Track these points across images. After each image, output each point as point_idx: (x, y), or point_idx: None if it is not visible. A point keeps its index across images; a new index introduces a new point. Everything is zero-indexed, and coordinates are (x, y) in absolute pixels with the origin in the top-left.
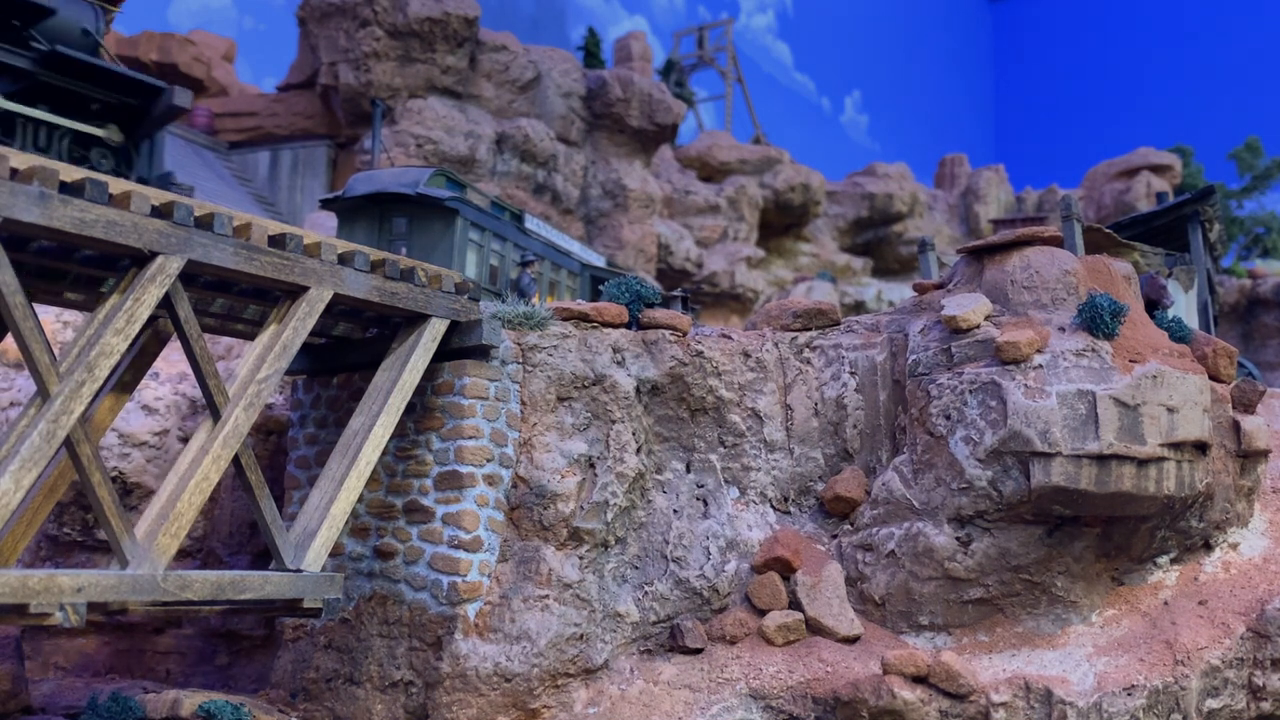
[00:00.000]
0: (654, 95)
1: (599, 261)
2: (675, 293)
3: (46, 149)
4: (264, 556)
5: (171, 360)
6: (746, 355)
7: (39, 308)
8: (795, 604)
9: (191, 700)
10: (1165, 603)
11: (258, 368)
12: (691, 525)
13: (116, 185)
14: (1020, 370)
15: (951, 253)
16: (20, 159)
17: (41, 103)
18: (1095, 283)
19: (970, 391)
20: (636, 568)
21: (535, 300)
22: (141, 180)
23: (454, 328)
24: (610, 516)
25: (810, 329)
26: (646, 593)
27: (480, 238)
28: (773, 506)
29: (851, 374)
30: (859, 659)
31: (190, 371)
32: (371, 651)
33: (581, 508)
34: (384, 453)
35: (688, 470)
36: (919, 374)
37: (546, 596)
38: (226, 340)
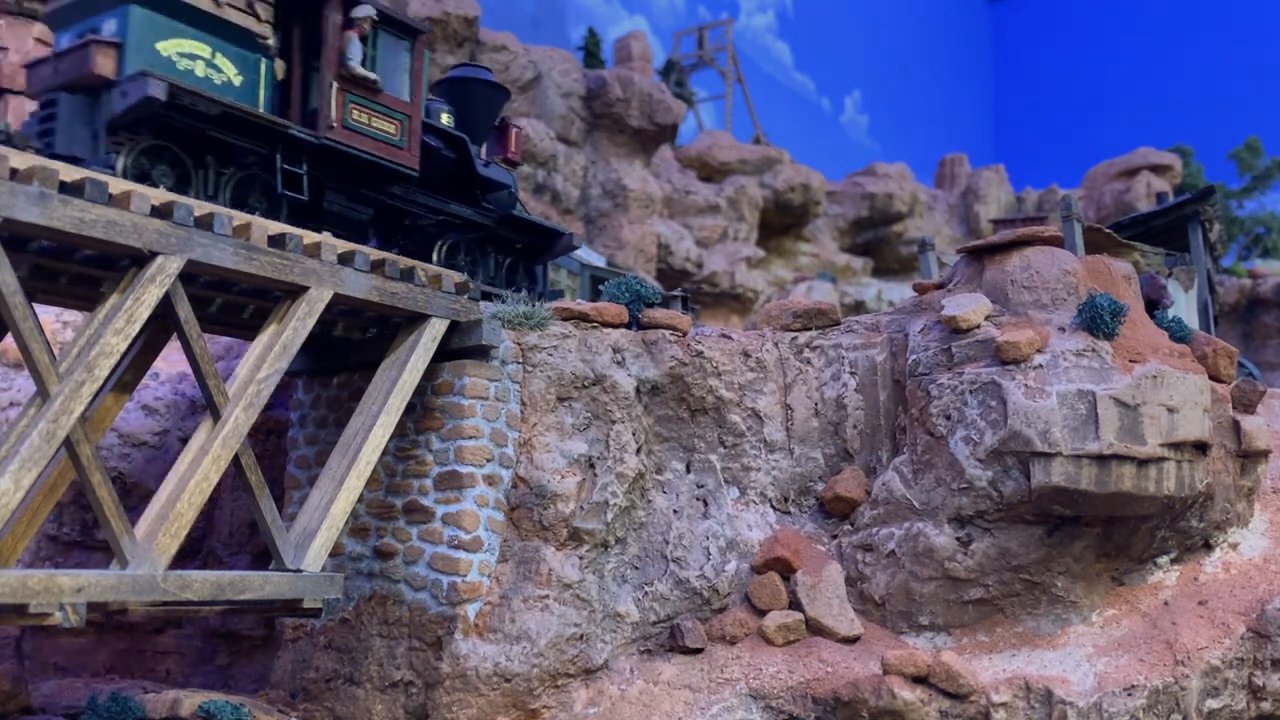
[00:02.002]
0: (654, 95)
1: (599, 261)
2: (675, 293)
3: (494, 279)
4: (264, 556)
5: (171, 360)
6: (746, 355)
7: (39, 308)
8: (795, 604)
9: (191, 700)
10: (1165, 603)
11: (258, 368)
12: (691, 525)
13: (116, 185)
14: (1020, 370)
15: (951, 253)
16: (20, 159)
17: (489, 245)
18: (1095, 283)
19: (970, 391)
20: (636, 568)
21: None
22: (539, 295)
23: (454, 328)
24: (610, 516)
25: (810, 329)
26: (646, 593)
27: None
28: (773, 506)
29: (851, 374)
30: (859, 659)
31: (190, 371)
32: (371, 651)
33: (581, 508)
34: (384, 453)
35: (688, 470)
36: (919, 374)
37: (546, 596)
38: (226, 340)
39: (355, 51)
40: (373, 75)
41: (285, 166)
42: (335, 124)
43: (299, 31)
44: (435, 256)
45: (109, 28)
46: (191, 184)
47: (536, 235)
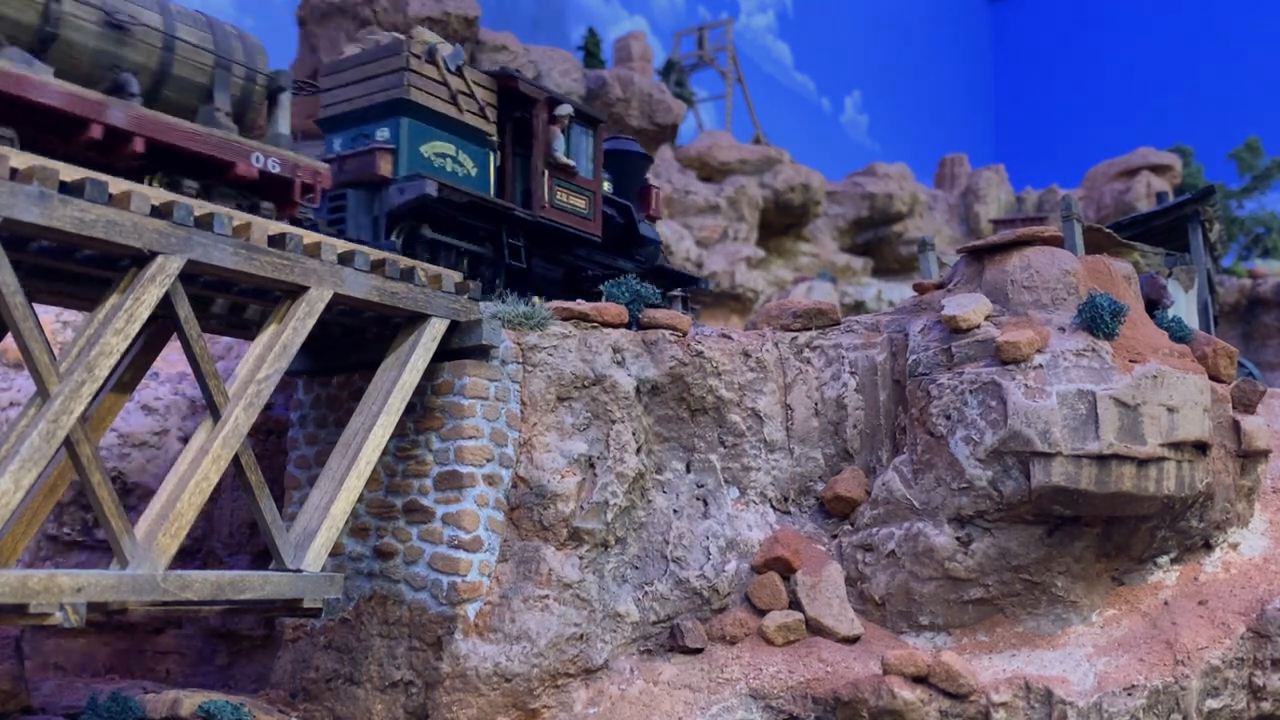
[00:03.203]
0: (654, 95)
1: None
2: (675, 292)
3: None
4: (264, 556)
5: (171, 360)
6: (746, 355)
7: (39, 308)
8: (795, 604)
9: (191, 700)
10: (1165, 603)
11: (258, 368)
12: (691, 525)
13: (116, 185)
14: (1020, 370)
15: (951, 253)
16: (20, 158)
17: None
18: (1095, 283)
19: (970, 391)
20: (636, 568)
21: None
22: None
23: (454, 328)
24: (610, 516)
25: (810, 329)
26: (646, 593)
27: None
28: (773, 506)
29: (851, 374)
30: (859, 659)
31: (190, 371)
32: (371, 651)
33: (581, 508)
34: (384, 453)
35: (688, 470)
36: (919, 374)
37: (546, 596)
38: (226, 340)
39: (559, 144)
40: (571, 161)
41: (509, 240)
42: (546, 204)
43: (511, 127)
44: None
45: (382, 135)
46: (440, 257)
47: (678, 280)
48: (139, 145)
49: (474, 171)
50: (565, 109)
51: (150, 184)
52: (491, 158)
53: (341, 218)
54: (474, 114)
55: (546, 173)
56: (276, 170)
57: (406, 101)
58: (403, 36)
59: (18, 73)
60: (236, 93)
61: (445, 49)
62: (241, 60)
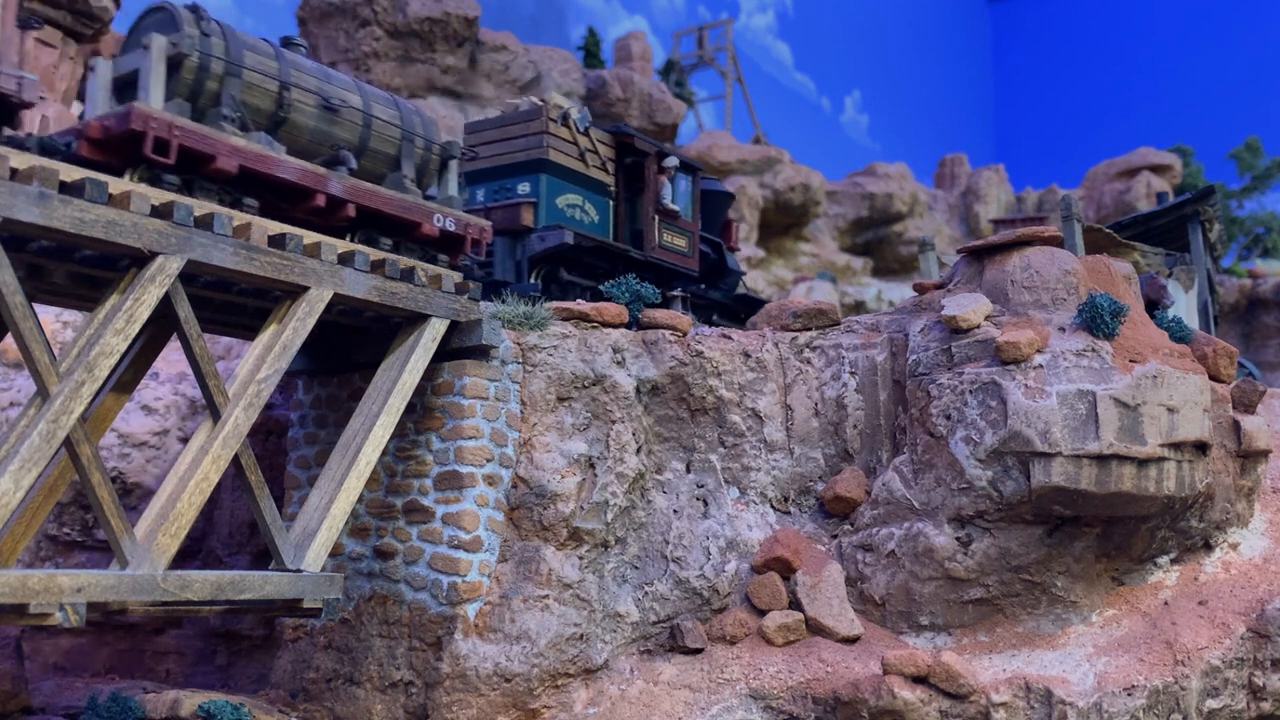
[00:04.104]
0: (654, 95)
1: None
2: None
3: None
4: (264, 556)
5: (171, 360)
6: (746, 355)
7: (39, 308)
8: (795, 604)
9: (191, 700)
10: (1165, 603)
11: (258, 368)
12: (691, 525)
13: (116, 185)
14: (1020, 370)
15: (951, 253)
16: (20, 159)
17: (725, 317)
18: (1095, 283)
19: (970, 391)
20: (636, 568)
21: None
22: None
23: (454, 328)
24: (610, 516)
25: (810, 329)
26: (646, 593)
27: None
28: (773, 506)
29: (852, 374)
30: (859, 659)
31: (190, 371)
32: (371, 651)
33: (581, 508)
34: (384, 453)
35: (688, 470)
36: (919, 374)
37: (546, 596)
38: (226, 340)
39: (666, 192)
40: (676, 207)
41: (679, 293)
42: (655, 245)
43: (622, 176)
44: None
45: (523, 189)
46: (569, 294)
47: (755, 305)
48: (351, 210)
49: (597, 218)
50: (672, 161)
51: (350, 240)
52: (610, 205)
53: (489, 262)
54: (597, 168)
55: (656, 218)
56: (452, 228)
57: (546, 160)
58: (540, 102)
59: (267, 153)
60: (417, 161)
61: (575, 112)
62: (421, 132)
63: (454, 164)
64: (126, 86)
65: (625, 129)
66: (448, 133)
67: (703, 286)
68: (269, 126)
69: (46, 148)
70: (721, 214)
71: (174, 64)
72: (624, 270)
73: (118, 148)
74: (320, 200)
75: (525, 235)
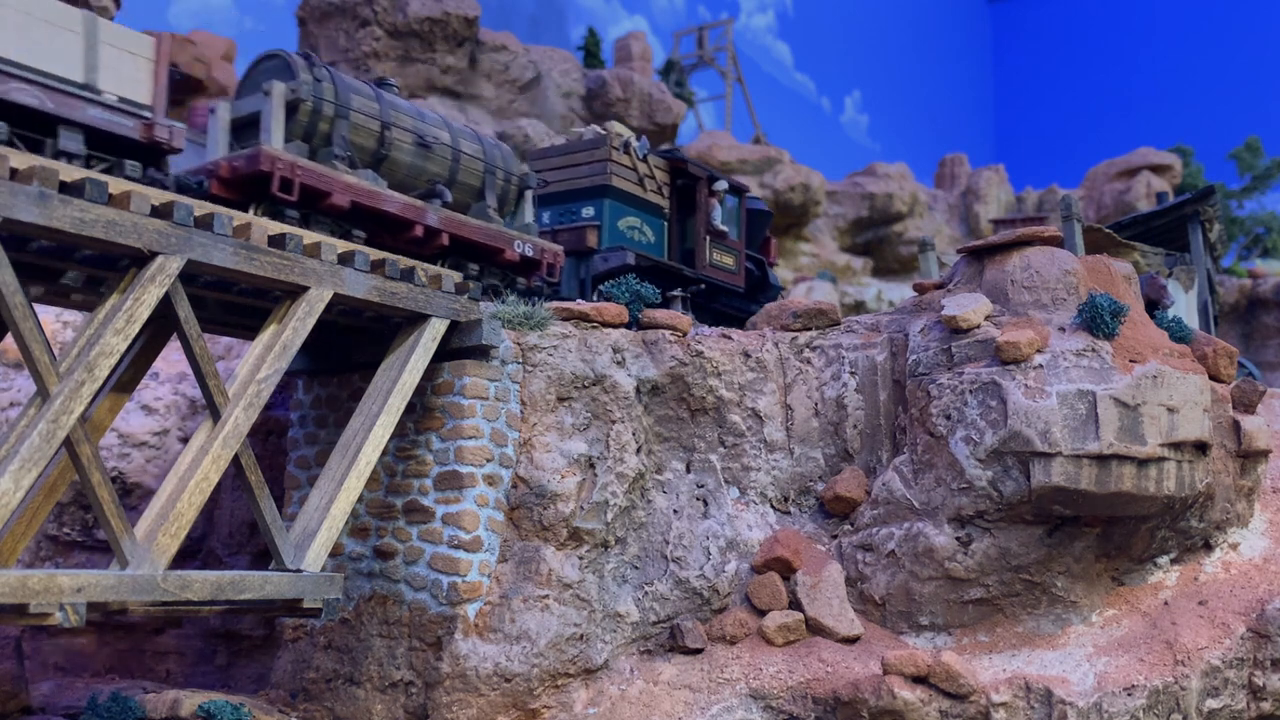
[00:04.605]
0: (654, 95)
1: None
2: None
3: None
4: (264, 556)
5: (171, 360)
6: (746, 355)
7: (39, 308)
8: (795, 604)
9: (191, 700)
10: (1165, 603)
11: (258, 368)
12: (691, 525)
13: (116, 185)
14: (1020, 370)
15: (951, 253)
16: (20, 158)
17: None
18: (1095, 283)
19: (970, 391)
20: (636, 568)
21: None
22: None
23: (454, 328)
24: (610, 516)
25: (810, 329)
26: (646, 593)
27: None
28: (773, 506)
29: (852, 374)
30: (859, 659)
31: (190, 371)
32: (371, 651)
33: (581, 508)
34: (384, 453)
35: (688, 470)
36: (919, 374)
37: (546, 596)
38: (226, 340)
39: (717, 214)
40: (724, 228)
41: (679, 293)
42: (706, 264)
43: (675, 199)
44: None
45: (588, 212)
46: None
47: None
48: (445, 239)
49: (653, 239)
50: (722, 184)
51: (440, 266)
52: (664, 226)
53: (556, 280)
54: (653, 192)
55: (707, 238)
56: (530, 254)
57: (609, 186)
58: (603, 131)
59: (375, 189)
60: (499, 191)
61: (635, 141)
62: (501, 165)
63: (529, 193)
64: (243, 127)
65: (679, 155)
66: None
67: (747, 300)
68: (372, 163)
69: (183, 186)
70: (762, 231)
71: (291, 108)
72: (678, 287)
73: (245, 186)
74: (419, 231)
75: (589, 256)
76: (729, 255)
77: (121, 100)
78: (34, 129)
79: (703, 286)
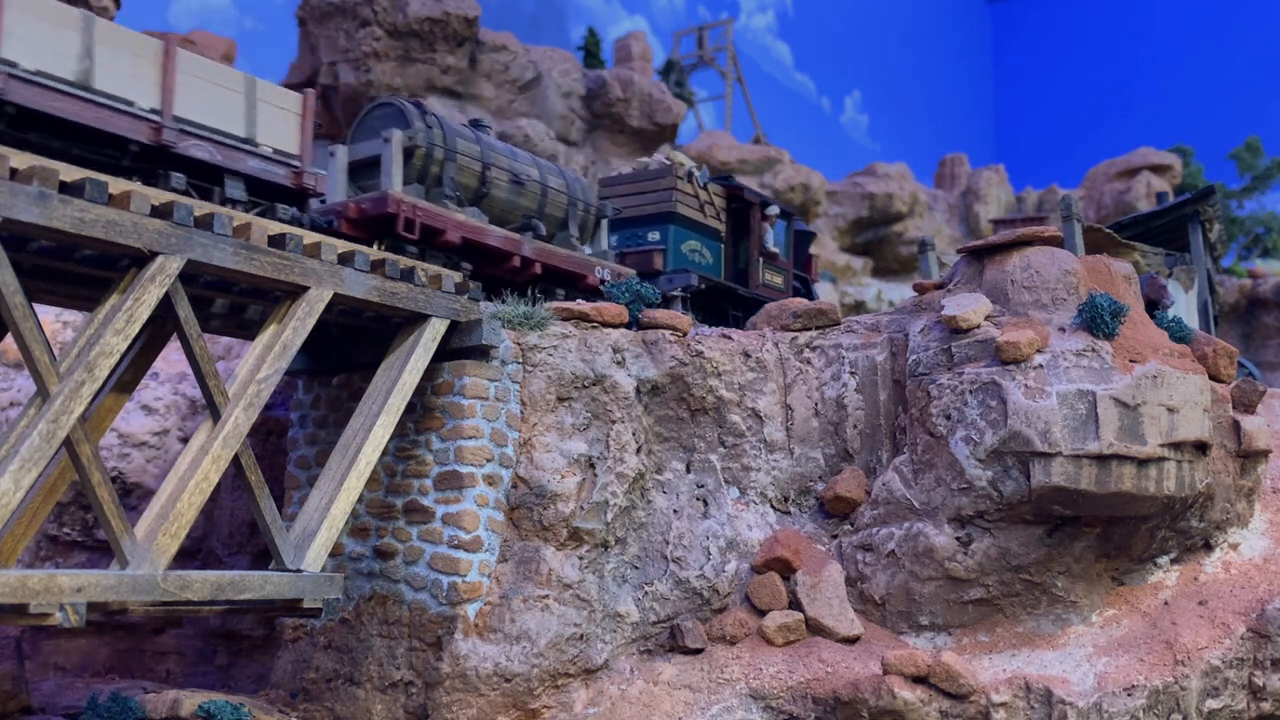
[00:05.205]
0: (654, 95)
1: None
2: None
3: None
4: (264, 556)
5: (171, 360)
6: (746, 355)
7: (39, 308)
8: (795, 604)
9: (191, 700)
10: (1165, 603)
11: (258, 368)
12: (691, 525)
13: (116, 185)
14: (1020, 370)
15: (951, 253)
16: (20, 159)
17: None
18: (1095, 283)
19: (970, 391)
20: (636, 568)
21: None
22: None
23: (454, 328)
24: (610, 516)
25: (810, 329)
26: (646, 593)
27: None
28: (773, 506)
29: (852, 374)
30: (859, 659)
31: (190, 371)
32: (371, 651)
33: (581, 508)
34: (384, 453)
35: (688, 470)
36: (919, 374)
37: (546, 596)
38: (226, 340)
39: (769, 237)
40: (776, 250)
41: (733, 312)
42: (759, 284)
43: (729, 222)
44: None
45: (653, 236)
46: None
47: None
48: (538, 268)
49: (711, 260)
50: (774, 209)
51: (531, 291)
52: (721, 248)
53: None
54: (712, 217)
55: (761, 260)
56: (608, 278)
57: (675, 213)
58: (668, 161)
59: (481, 225)
60: (580, 221)
61: (696, 170)
62: (582, 197)
63: (605, 222)
64: (360, 169)
65: (735, 183)
66: None
67: None
68: (474, 200)
69: (316, 226)
70: (805, 251)
71: (407, 153)
72: (733, 305)
73: (371, 225)
74: (516, 261)
75: (655, 277)
76: (779, 275)
77: (275, 151)
78: (206, 179)
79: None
